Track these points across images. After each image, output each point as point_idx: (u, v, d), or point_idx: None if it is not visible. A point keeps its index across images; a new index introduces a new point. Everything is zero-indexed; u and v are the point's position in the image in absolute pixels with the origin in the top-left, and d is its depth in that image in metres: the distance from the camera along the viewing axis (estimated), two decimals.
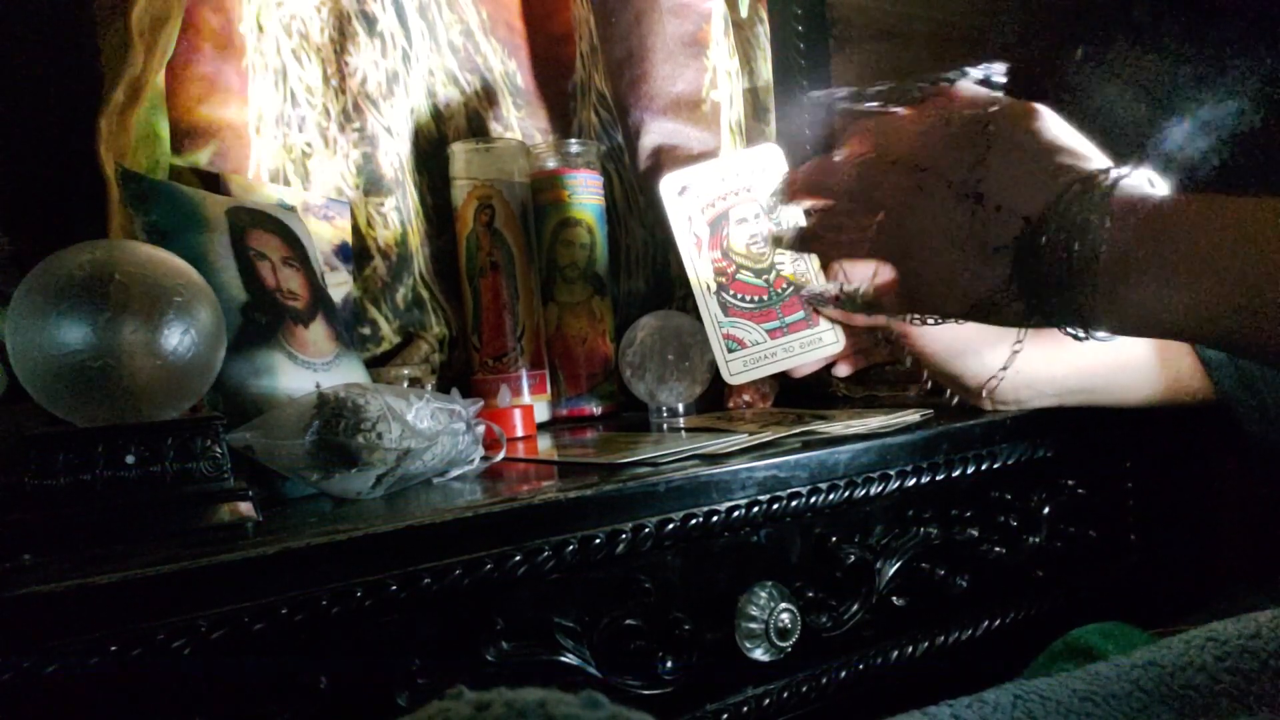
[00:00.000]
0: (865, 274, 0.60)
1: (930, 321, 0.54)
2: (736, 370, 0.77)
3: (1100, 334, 0.49)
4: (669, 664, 0.56)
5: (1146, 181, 0.47)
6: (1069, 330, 0.49)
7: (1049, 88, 0.96)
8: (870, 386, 0.84)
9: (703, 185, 0.79)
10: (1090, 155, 0.49)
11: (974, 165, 0.49)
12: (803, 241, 0.61)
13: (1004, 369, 0.70)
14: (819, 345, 0.77)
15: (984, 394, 0.72)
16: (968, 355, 0.71)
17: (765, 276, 0.78)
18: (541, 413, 0.93)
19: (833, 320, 0.77)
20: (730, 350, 0.77)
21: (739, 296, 0.78)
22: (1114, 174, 0.47)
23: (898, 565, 0.68)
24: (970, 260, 0.50)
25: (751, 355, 0.77)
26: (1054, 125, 0.50)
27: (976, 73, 0.55)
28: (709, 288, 0.78)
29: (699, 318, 0.80)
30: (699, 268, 0.78)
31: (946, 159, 0.50)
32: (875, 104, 0.56)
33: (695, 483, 0.58)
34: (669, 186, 0.80)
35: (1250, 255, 0.43)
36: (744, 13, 1.14)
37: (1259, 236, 0.43)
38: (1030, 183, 0.48)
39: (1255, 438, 0.71)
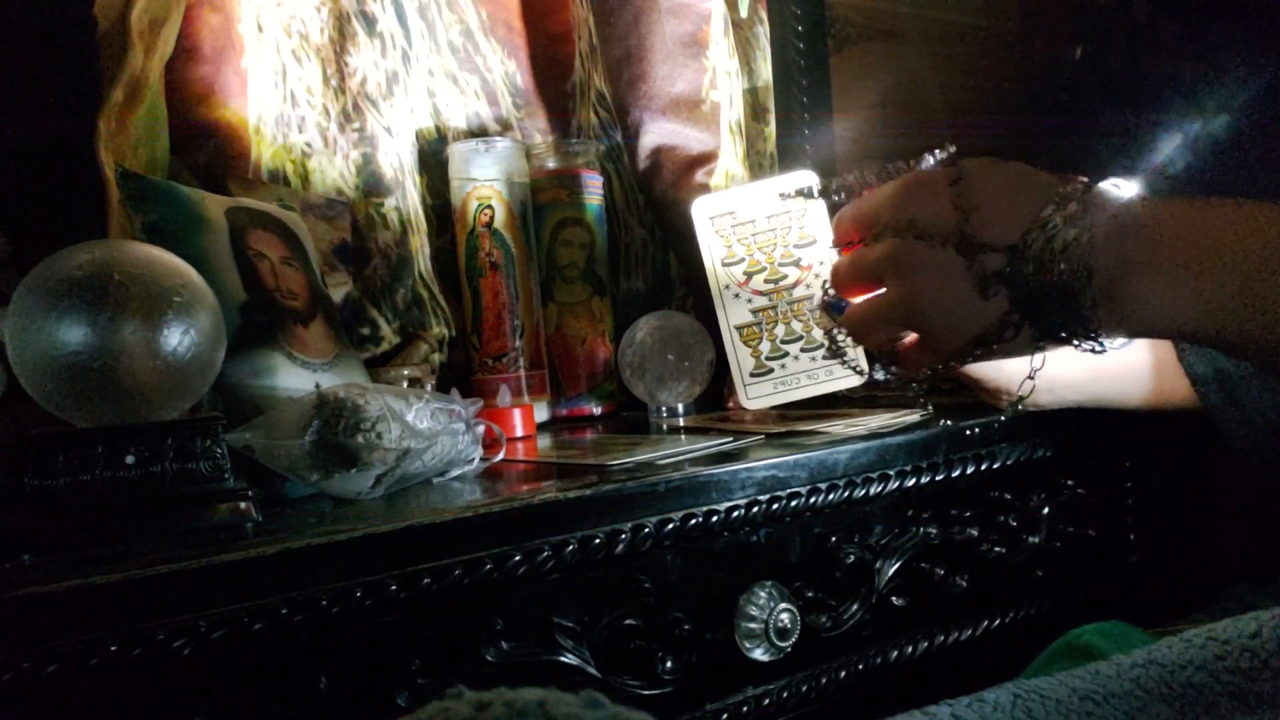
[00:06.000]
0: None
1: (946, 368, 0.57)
2: (755, 395, 0.76)
3: (1115, 343, 0.50)
4: (669, 664, 0.56)
5: (1123, 189, 0.48)
6: (1085, 346, 0.50)
7: (1048, 86, 0.96)
8: (871, 386, 0.84)
9: (737, 209, 0.77)
10: (1060, 179, 0.50)
11: (950, 212, 0.52)
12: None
13: (1037, 369, 0.68)
14: (841, 376, 0.75)
15: (1015, 396, 0.71)
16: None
17: (790, 304, 0.76)
18: (541, 413, 0.93)
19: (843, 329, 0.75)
20: (750, 375, 0.76)
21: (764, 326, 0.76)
22: (1086, 187, 0.48)
23: (897, 565, 0.68)
24: (968, 299, 0.52)
25: (771, 382, 0.76)
26: (1018, 165, 0.53)
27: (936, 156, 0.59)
28: (731, 307, 0.76)
29: (716, 330, 0.78)
30: (726, 300, 0.76)
31: (925, 212, 0.53)
32: (842, 195, 0.61)
33: (695, 483, 0.58)
34: (701, 209, 0.78)
35: (1245, 255, 0.44)
36: (744, 13, 1.14)
37: (1252, 237, 0.44)
38: (1006, 214, 0.50)
39: (1241, 450, 0.71)
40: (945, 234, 0.52)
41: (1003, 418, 0.73)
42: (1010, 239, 0.50)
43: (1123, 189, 0.49)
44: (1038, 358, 0.64)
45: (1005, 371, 0.70)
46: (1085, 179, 0.50)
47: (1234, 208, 0.46)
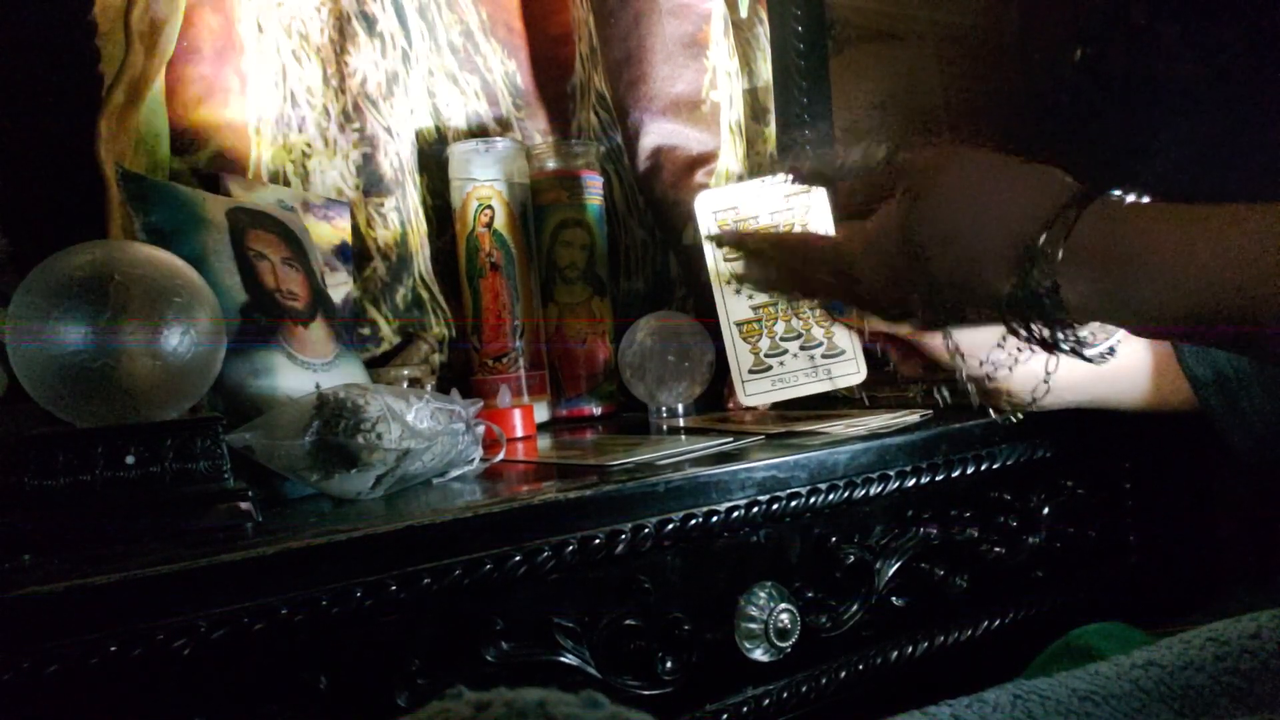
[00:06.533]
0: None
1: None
2: (752, 392, 0.76)
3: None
4: (668, 664, 0.56)
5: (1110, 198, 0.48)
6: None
7: (1048, 88, 0.96)
8: (870, 386, 0.84)
9: (739, 204, 0.77)
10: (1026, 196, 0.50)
11: (910, 283, 0.53)
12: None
13: (1049, 374, 0.68)
14: (839, 375, 0.75)
15: (1019, 398, 0.71)
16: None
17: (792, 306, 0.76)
18: (541, 413, 0.93)
19: (850, 327, 0.75)
20: (749, 372, 0.76)
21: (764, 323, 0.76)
22: (1055, 220, 0.47)
23: (897, 565, 0.68)
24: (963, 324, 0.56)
25: (769, 379, 0.75)
26: (975, 182, 0.51)
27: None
28: (731, 303, 0.76)
29: (718, 333, 0.78)
30: (726, 295, 0.76)
31: (892, 271, 0.54)
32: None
33: (695, 483, 0.58)
34: (704, 204, 0.77)
35: (1242, 260, 0.43)
36: (744, 13, 1.14)
37: (1250, 241, 0.43)
38: (972, 252, 0.50)
39: (1240, 453, 0.71)
40: (905, 290, 0.53)
41: (1008, 417, 0.74)
42: (975, 295, 0.50)
43: (1109, 198, 0.48)
44: (1051, 362, 0.64)
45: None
46: (1054, 196, 0.48)
47: (1231, 212, 0.45)
